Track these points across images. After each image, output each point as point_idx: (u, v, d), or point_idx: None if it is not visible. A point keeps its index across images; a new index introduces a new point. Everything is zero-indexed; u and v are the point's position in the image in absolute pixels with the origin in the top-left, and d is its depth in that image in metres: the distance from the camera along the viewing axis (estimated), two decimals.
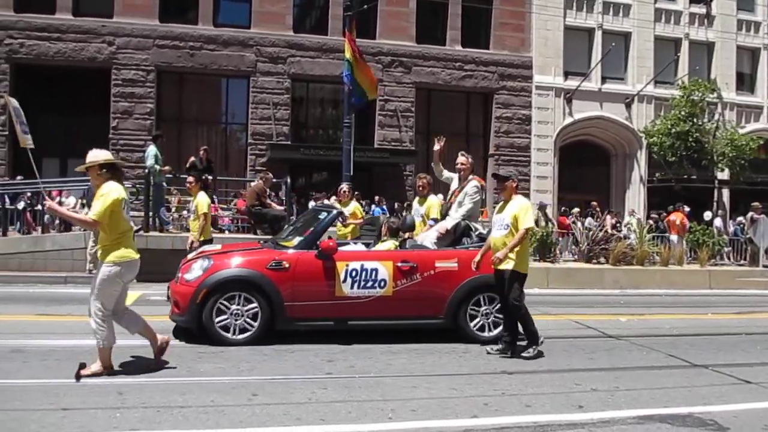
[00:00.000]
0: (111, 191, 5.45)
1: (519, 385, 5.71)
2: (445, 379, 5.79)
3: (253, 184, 13.90)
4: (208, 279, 6.82)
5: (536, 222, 18.10)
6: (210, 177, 13.65)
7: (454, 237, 7.75)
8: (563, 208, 21.68)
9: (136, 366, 5.79)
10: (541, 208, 19.35)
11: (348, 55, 14.62)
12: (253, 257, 7.24)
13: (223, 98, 24.63)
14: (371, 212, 19.44)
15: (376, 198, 21.20)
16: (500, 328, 7.20)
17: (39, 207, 14.80)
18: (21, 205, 15.55)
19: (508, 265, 6.56)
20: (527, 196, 24.97)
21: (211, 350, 6.50)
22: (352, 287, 7.06)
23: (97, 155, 5.63)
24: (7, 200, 15.20)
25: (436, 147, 8.67)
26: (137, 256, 5.63)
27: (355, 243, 8.74)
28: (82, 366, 5.39)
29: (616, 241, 14.86)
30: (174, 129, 22.01)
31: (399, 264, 7.19)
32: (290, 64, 23.43)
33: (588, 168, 28.07)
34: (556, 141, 26.40)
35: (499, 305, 7.15)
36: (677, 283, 14.25)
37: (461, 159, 8.25)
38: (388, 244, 7.89)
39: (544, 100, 26.20)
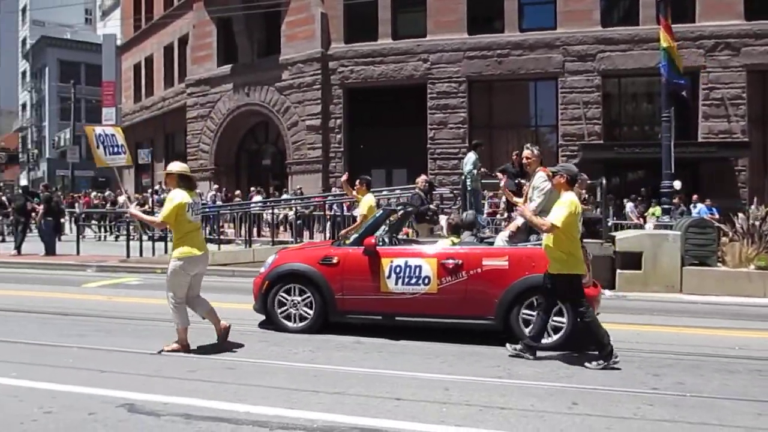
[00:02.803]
0: (175, 197, 6.35)
1: None
2: None
3: None
4: (272, 271, 7.55)
5: None
6: (523, 181, 13.76)
7: (526, 234, 7.42)
8: None
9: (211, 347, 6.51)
10: None
11: (664, 43, 13.57)
12: (309, 253, 7.81)
13: (531, 101, 24.72)
14: (698, 212, 17.73)
15: (694, 197, 19.28)
16: (560, 333, 6.64)
17: None
18: (356, 213, 17.54)
19: (553, 269, 6.17)
20: None
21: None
22: (396, 283, 7.16)
23: (173, 166, 6.60)
24: (344, 209, 17.30)
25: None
26: (200, 252, 6.40)
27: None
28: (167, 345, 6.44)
29: None
30: (485, 135, 22.70)
31: (444, 261, 7.04)
32: (599, 60, 22.55)
33: None
34: None
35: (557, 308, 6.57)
36: None
37: (526, 153, 7.75)
38: (446, 242, 7.82)
39: None
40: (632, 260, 11.57)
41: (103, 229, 24.46)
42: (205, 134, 28.94)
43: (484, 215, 15.06)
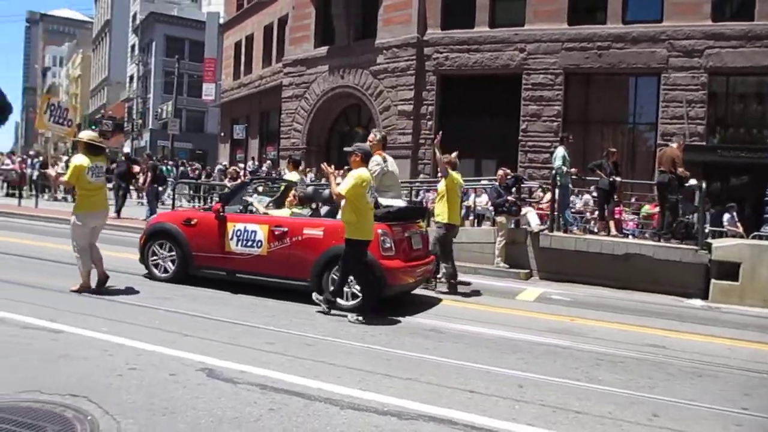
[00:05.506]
0: (75, 160, 7.50)
1: None
2: None
3: (668, 148, 12.99)
4: (149, 228, 9.05)
5: None
6: (618, 179, 13.28)
7: None
8: None
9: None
10: None
11: None
12: (179, 214, 9.07)
13: (630, 97, 23.67)
14: None
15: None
16: (359, 298, 7.42)
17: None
18: None
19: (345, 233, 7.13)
20: None
21: (609, 358, 6.32)
22: (237, 244, 8.24)
23: (82, 134, 7.87)
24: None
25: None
26: (98, 209, 7.55)
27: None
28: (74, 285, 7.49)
29: None
30: (580, 130, 21.97)
31: (273, 228, 8.07)
32: (707, 56, 21.30)
33: None
34: None
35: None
36: None
37: (370, 136, 8.78)
38: (284, 211, 8.88)
39: None
40: (729, 270, 10.96)
41: (196, 199, 25.42)
42: (299, 114, 29.49)
43: (570, 212, 14.60)
